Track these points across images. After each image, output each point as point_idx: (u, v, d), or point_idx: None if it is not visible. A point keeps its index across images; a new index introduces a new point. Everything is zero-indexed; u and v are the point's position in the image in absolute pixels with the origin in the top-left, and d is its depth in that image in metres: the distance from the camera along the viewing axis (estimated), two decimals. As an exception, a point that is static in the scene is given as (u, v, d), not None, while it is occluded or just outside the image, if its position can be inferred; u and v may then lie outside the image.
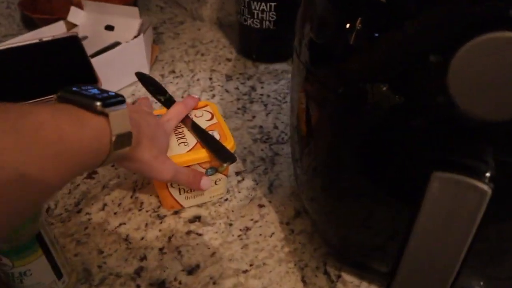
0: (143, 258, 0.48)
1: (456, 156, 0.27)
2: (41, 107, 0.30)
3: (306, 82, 0.38)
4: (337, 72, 0.34)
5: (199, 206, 0.53)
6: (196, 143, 0.49)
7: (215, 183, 0.52)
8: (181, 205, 0.52)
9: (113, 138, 0.34)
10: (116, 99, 0.35)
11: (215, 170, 0.50)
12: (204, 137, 0.49)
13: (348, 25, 0.31)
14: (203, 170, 0.49)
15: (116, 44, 0.75)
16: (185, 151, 0.48)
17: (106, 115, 0.33)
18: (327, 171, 0.41)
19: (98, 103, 0.33)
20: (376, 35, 0.30)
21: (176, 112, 0.51)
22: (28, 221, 0.37)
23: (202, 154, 0.48)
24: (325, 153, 0.39)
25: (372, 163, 0.36)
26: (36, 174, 0.27)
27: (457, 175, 0.25)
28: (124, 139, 0.36)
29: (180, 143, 0.49)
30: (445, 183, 0.25)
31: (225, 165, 0.47)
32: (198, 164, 0.48)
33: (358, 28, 0.31)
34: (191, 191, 0.51)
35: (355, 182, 0.38)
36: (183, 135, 0.50)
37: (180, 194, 0.51)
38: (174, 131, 0.51)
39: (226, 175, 0.52)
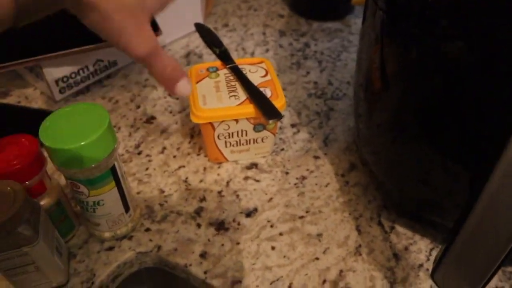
0: (203, 199, 0.49)
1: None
2: None
3: (382, 32, 0.38)
4: (420, 21, 0.33)
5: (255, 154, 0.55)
6: (246, 98, 0.50)
7: (262, 141, 0.52)
8: (226, 158, 0.53)
9: None
10: None
11: (263, 127, 0.50)
12: (253, 93, 0.50)
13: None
14: (252, 126, 0.50)
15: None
16: (235, 104, 0.49)
17: None
18: (394, 126, 0.41)
19: None
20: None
21: None
22: (105, 154, 0.39)
23: (250, 109, 0.48)
24: (395, 107, 0.39)
25: (444, 120, 0.35)
26: None
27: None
28: None
29: (231, 96, 0.50)
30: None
31: (270, 121, 0.47)
32: (246, 119, 0.49)
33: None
34: (237, 145, 0.52)
35: (422, 137, 0.38)
36: (235, 88, 0.51)
37: (226, 147, 0.52)
38: (227, 84, 0.51)
39: (274, 134, 0.52)
